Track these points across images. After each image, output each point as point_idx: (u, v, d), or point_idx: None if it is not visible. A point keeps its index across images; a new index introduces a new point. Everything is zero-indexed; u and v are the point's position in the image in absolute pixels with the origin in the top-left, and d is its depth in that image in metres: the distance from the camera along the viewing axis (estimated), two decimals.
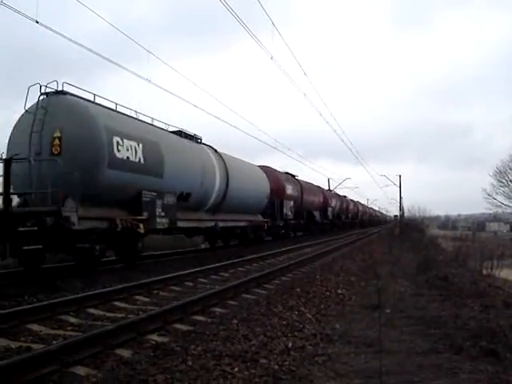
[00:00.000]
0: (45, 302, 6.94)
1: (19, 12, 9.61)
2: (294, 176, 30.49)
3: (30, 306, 6.67)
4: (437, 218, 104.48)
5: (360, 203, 66.48)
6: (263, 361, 4.61)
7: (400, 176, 49.52)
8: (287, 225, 26.47)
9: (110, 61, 12.70)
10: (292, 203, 26.60)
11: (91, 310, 7.02)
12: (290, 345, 5.21)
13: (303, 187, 31.02)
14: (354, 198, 61.96)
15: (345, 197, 53.26)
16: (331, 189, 50.81)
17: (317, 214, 34.16)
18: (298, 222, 29.36)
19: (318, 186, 38.24)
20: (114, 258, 12.69)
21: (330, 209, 39.33)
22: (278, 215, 24.07)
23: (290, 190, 26.78)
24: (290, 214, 26.08)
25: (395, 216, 57.31)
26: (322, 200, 36.25)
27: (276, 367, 4.46)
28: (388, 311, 7.25)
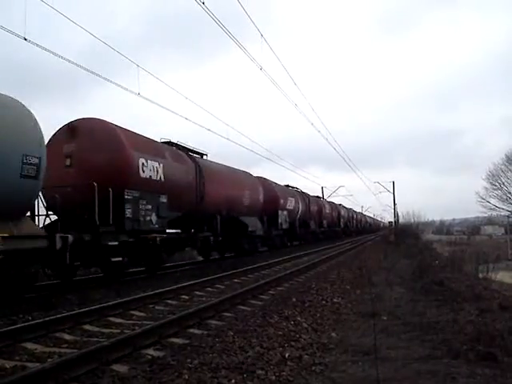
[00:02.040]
0: (39, 320, 6.87)
1: (8, 30, 9.58)
2: (186, 148, 16.14)
3: (24, 325, 6.60)
4: (431, 223, 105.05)
5: (344, 207, 53.62)
6: (260, 372, 4.58)
7: (393, 182, 49.91)
8: (152, 244, 12.45)
9: (98, 75, 12.56)
10: (165, 199, 13.11)
11: (86, 327, 6.96)
12: (287, 355, 5.18)
13: (205, 170, 16.21)
14: (344, 205, 54.53)
15: (317, 197, 41.73)
16: (325, 197, 50.16)
17: (252, 221, 20.10)
18: (192, 236, 15.52)
19: (262, 178, 24.55)
20: None
21: (283, 213, 25.46)
22: (110, 223, 11.00)
23: (153, 169, 12.78)
24: (152, 219, 12.57)
25: (390, 222, 57.58)
26: (262, 199, 21.81)
27: (273, 378, 4.43)
28: (385, 318, 7.25)
